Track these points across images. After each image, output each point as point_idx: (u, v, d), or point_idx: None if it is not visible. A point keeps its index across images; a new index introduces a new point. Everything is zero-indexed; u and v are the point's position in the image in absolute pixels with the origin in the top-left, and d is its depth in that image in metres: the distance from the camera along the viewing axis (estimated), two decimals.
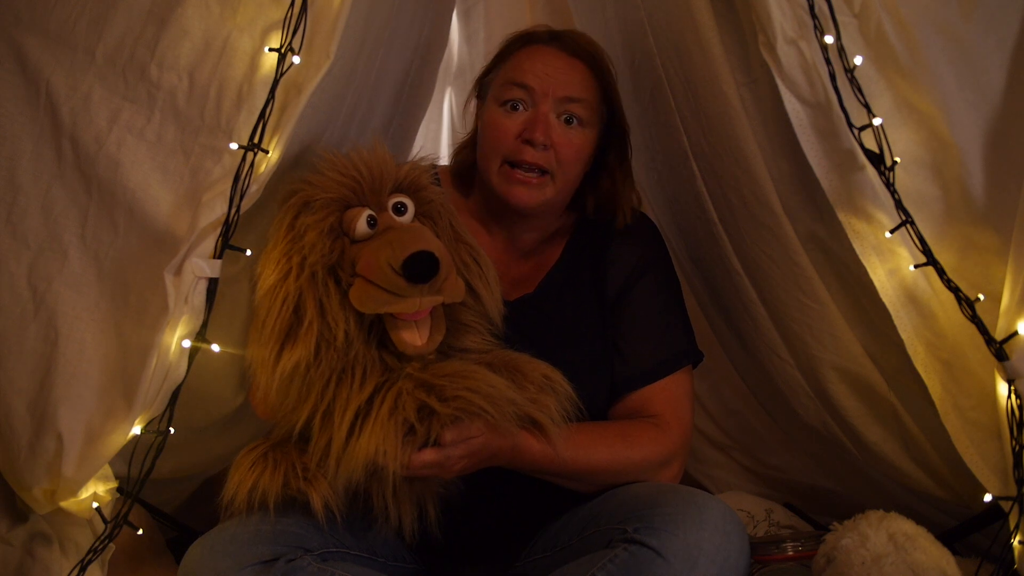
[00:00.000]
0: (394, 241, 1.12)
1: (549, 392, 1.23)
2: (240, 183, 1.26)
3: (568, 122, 1.38)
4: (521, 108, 1.38)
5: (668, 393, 1.40)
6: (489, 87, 1.45)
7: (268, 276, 1.16)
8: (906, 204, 1.28)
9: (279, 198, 1.23)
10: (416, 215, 1.22)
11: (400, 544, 1.34)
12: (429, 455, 1.14)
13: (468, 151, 1.50)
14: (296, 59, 1.28)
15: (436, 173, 1.44)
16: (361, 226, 1.16)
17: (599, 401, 1.40)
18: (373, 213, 1.18)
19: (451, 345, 1.22)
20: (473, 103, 1.52)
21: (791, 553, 1.43)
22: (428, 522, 1.25)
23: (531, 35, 1.44)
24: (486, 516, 1.36)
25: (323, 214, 1.16)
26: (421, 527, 1.25)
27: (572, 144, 1.38)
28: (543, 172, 1.37)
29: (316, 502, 1.16)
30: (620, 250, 1.46)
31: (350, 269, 1.16)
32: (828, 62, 1.28)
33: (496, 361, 1.23)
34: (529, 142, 1.35)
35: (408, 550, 1.37)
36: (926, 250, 1.28)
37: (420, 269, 1.09)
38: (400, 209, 1.20)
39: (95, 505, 1.29)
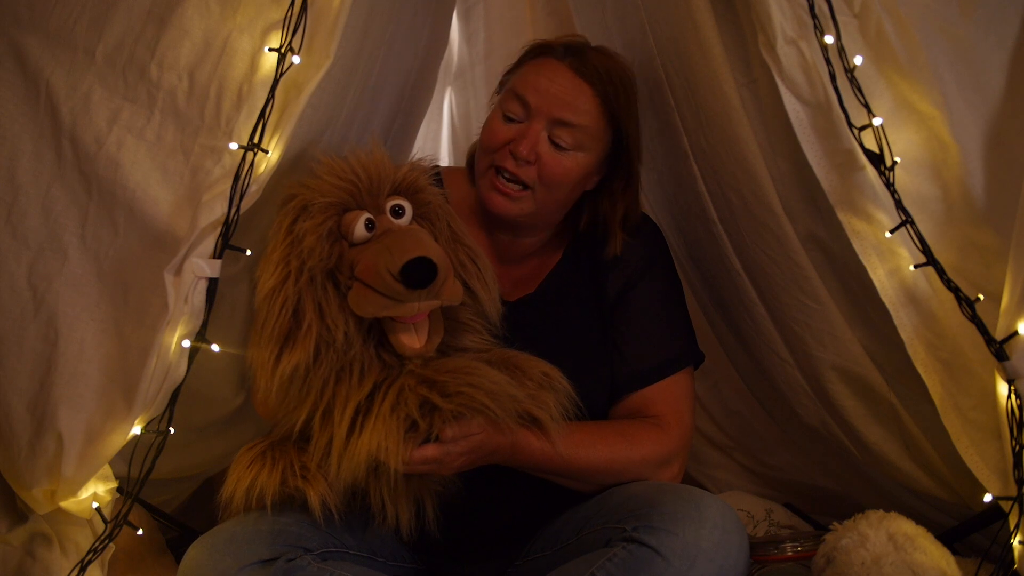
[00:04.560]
0: (392, 246, 1.12)
1: (548, 389, 1.23)
2: (240, 183, 1.26)
3: (558, 145, 1.35)
4: (517, 120, 1.36)
5: (669, 394, 1.40)
6: (503, 88, 1.45)
7: (267, 280, 1.16)
8: (906, 204, 1.28)
9: (278, 201, 1.23)
10: (414, 217, 1.23)
11: (399, 543, 1.34)
12: (429, 451, 1.14)
13: None
14: (296, 59, 1.28)
15: (437, 174, 1.44)
16: (359, 230, 1.17)
17: (599, 401, 1.40)
18: (371, 216, 1.18)
19: (449, 344, 1.23)
20: (496, 99, 1.50)
21: (790, 554, 1.43)
22: (426, 521, 1.25)
23: (549, 47, 1.41)
24: (485, 515, 1.36)
25: (321, 218, 1.16)
26: (420, 527, 1.25)
27: (560, 165, 1.36)
28: (524, 186, 1.36)
29: (313, 500, 1.16)
30: (622, 250, 1.45)
31: (348, 272, 1.16)
32: (828, 62, 1.28)
33: (495, 359, 1.24)
34: (513, 154, 1.34)
35: (407, 549, 1.37)
36: (926, 250, 1.28)
37: (418, 275, 1.09)
38: (398, 212, 1.20)
39: (95, 505, 1.29)
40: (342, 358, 1.15)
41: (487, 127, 1.40)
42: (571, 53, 1.39)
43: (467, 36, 2.41)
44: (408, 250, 1.10)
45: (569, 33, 1.47)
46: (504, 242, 1.47)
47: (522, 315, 1.37)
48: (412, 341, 1.16)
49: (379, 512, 1.21)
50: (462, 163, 1.56)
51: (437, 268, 1.10)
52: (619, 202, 1.44)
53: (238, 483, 1.18)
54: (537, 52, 1.42)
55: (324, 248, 1.15)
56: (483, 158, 1.39)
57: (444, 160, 2.53)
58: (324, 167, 1.21)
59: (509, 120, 1.37)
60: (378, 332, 1.18)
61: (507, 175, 1.35)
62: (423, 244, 1.13)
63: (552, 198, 1.39)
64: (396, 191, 1.22)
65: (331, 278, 1.16)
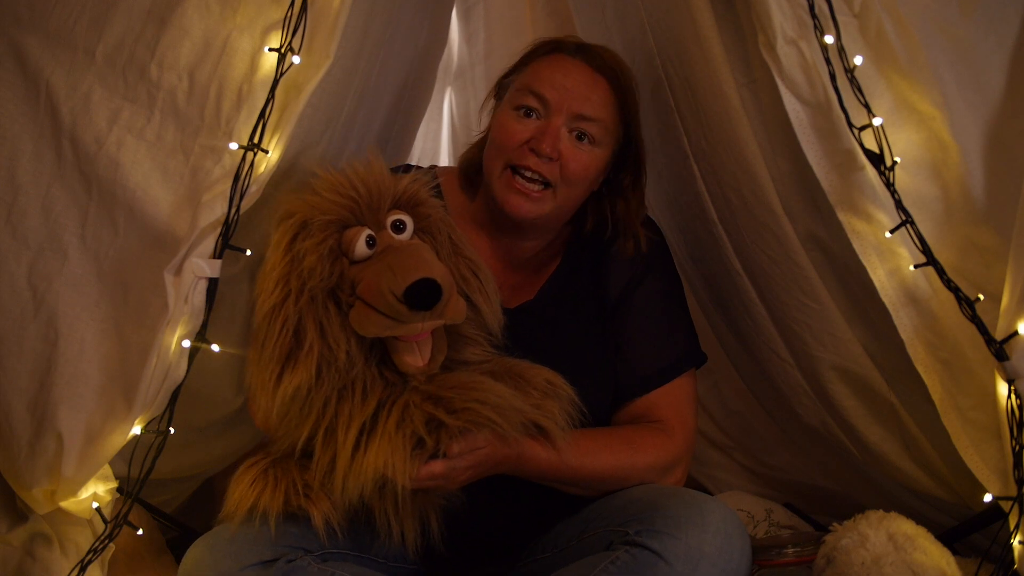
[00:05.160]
0: (395, 266, 1.10)
1: (552, 397, 1.22)
2: (240, 183, 1.26)
3: (579, 138, 1.35)
4: (534, 116, 1.36)
5: (672, 398, 1.40)
6: (507, 89, 1.44)
7: (267, 299, 1.14)
8: (906, 204, 1.28)
9: (275, 217, 1.20)
10: (415, 231, 1.21)
11: (401, 548, 1.34)
12: (436, 467, 1.13)
13: (476, 151, 1.48)
14: (296, 59, 1.28)
15: (437, 183, 1.43)
16: (360, 247, 1.15)
17: (601, 406, 1.39)
18: (372, 233, 1.16)
19: (451, 357, 1.21)
20: (491, 103, 1.49)
21: (792, 558, 1.43)
22: (431, 536, 1.25)
23: (559, 43, 1.41)
24: (487, 519, 1.35)
25: (321, 236, 1.14)
26: (423, 538, 1.24)
27: (580, 160, 1.35)
28: (545, 185, 1.34)
29: (317, 519, 1.16)
30: (622, 253, 1.45)
31: (349, 290, 1.14)
32: (828, 62, 1.28)
33: (498, 369, 1.23)
34: (535, 151, 1.33)
35: (408, 551, 1.37)
36: (926, 250, 1.28)
37: (422, 297, 1.08)
38: (399, 227, 1.19)
39: (95, 505, 1.29)
40: (344, 377, 1.13)
41: (501, 128, 1.37)
42: (581, 50, 1.40)
43: (467, 36, 2.41)
44: (411, 271, 1.08)
45: (566, 34, 1.47)
46: (505, 246, 1.47)
47: (522, 322, 1.36)
48: (415, 360, 1.14)
49: (384, 530, 1.21)
50: None
51: (441, 289, 1.09)
52: (631, 199, 1.44)
53: (240, 503, 1.17)
54: (547, 49, 1.42)
55: (325, 267, 1.13)
56: (497, 159, 1.37)
57: (444, 160, 2.53)
58: (323, 182, 1.18)
59: (526, 116, 1.36)
60: (380, 350, 1.16)
61: (528, 173, 1.34)
62: (426, 263, 1.11)
63: (572, 196, 1.38)
64: (396, 205, 1.20)
65: (332, 297, 1.15)
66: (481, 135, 1.49)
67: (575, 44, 1.41)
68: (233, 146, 1.27)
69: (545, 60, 1.40)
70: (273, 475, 1.18)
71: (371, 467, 1.09)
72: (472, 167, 1.48)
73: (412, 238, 1.20)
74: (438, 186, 1.46)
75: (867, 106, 1.28)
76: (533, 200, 1.35)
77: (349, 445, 1.11)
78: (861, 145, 1.28)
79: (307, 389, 1.11)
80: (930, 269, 1.28)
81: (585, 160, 1.36)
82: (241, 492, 1.17)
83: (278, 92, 1.28)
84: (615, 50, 1.46)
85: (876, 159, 1.28)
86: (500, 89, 1.47)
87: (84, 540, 1.32)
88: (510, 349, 1.27)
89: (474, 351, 1.24)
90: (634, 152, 1.43)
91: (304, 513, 1.17)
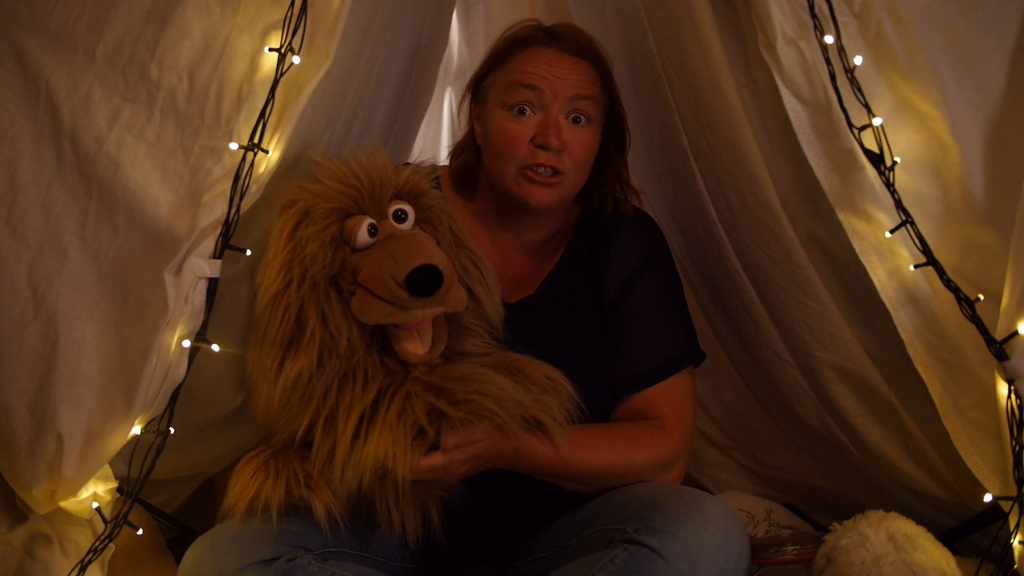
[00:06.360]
0: (396, 253, 1.11)
1: (551, 393, 1.23)
2: (240, 183, 1.26)
3: (576, 121, 1.38)
4: (529, 112, 1.37)
5: (670, 395, 1.40)
6: (489, 90, 1.44)
7: (269, 286, 1.15)
8: (906, 204, 1.28)
9: (278, 206, 1.21)
10: (416, 221, 1.22)
11: (402, 545, 1.34)
12: (436, 459, 1.14)
13: (468, 154, 1.49)
14: (296, 59, 1.28)
15: (437, 177, 1.44)
16: (362, 235, 1.16)
17: (600, 403, 1.39)
18: (374, 221, 1.17)
19: (451, 348, 1.22)
20: (467, 104, 1.51)
21: (791, 556, 1.43)
22: (431, 526, 1.25)
23: (528, 38, 1.42)
24: (487, 516, 1.36)
25: (324, 224, 1.15)
26: (425, 533, 1.24)
27: (584, 144, 1.38)
28: (556, 172, 1.36)
29: (319, 509, 1.16)
30: (621, 250, 1.46)
31: (351, 278, 1.15)
32: (828, 62, 1.28)
33: (497, 363, 1.24)
34: (543, 146, 1.34)
35: (408, 549, 1.37)
36: (926, 250, 1.28)
37: (423, 283, 1.09)
38: (401, 216, 1.20)
39: (95, 505, 1.29)
40: (345, 365, 1.14)
41: (502, 132, 1.38)
42: (553, 37, 1.42)
43: (467, 36, 2.41)
44: (412, 257, 1.10)
45: (523, 22, 1.47)
46: (508, 241, 1.47)
47: (523, 317, 1.37)
48: (416, 347, 1.15)
49: (385, 520, 1.21)
50: None
51: (442, 275, 1.10)
52: (612, 159, 1.48)
53: (241, 494, 1.17)
54: (518, 45, 1.43)
55: (327, 254, 1.14)
56: (506, 164, 1.38)
57: (444, 161, 2.53)
58: (325, 171, 1.20)
59: (520, 114, 1.37)
60: (381, 338, 1.17)
61: (541, 170, 1.36)
62: (427, 251, 1.12)
63: (580, 179, 1.42)
64: (398, 195, 1.21)
65: (334, 284, 1.16)
66: (465, 137, 1.50)
67: (543, 33, 1.42)
68: (233, 146, 1.27)
69: (524, 54, 1.41)
70: (274, 466, 1.19)
71: (371, 456, 1.09)
72: (466, 170, 1.49)
73: (413, 228, 1.21)
74: (437, 179, 1.47)
75: (867, 106, 1.28)
76: (551, 187, 1.37)
77: (349, 433, 1.12)
78: (861, 145, 1.28)
79: (308, 376, 1.12)
80: (930, 269, 1.28)
81: (588, 142, 1.39)
82: (242, 484, 1.18)
83: (278, 92, 1.28)
84: (612, 46, 1.46)
85: (876, 159, 1.28)
86: (477, 91, 1.48)
87: (84, 540, 1.32)
88: (510, 343, 1.28)
89: (474, 342, 1.25)
90: (616, 119, 1.46)
91: (305, 504, 1.17)
